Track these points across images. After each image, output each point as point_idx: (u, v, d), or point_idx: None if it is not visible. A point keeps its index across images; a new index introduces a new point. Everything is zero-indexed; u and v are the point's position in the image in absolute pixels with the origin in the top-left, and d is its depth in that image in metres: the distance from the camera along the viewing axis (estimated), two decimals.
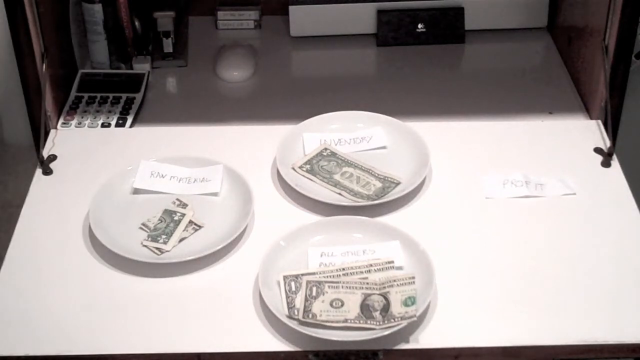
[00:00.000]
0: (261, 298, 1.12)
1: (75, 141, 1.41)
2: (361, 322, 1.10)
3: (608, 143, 1.39)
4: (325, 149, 1.37)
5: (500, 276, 1.18)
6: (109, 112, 1.48)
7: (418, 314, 1.09)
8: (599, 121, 1.44)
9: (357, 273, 1.16)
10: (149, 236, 1.23)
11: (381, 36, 1.68)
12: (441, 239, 1.23)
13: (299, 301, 1.12)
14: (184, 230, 1.24)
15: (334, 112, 1.43)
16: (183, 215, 1.26)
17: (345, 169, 1.34)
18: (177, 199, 1.29)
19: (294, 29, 1.69)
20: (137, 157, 1.35)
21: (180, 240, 1.23)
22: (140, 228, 1.25)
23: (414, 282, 1.13)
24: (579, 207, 1.29)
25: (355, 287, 1.14)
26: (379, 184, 1.31)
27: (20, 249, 1.23)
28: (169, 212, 1.26)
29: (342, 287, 1.14)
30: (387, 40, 1.68)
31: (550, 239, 1.24)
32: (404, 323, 1.08)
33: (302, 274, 1.16)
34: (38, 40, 1.37)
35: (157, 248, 1.21)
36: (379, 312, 1.11)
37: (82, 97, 1.51)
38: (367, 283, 1.14)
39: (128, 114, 1.48)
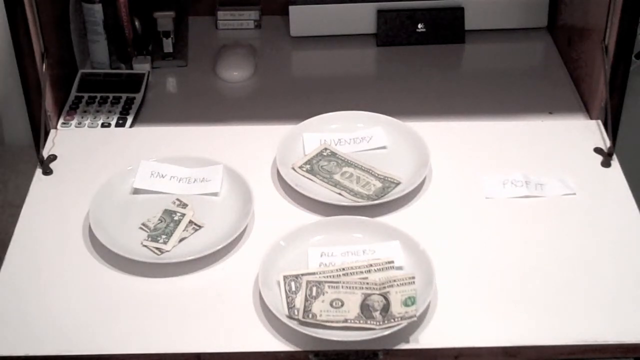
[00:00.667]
0: (261, 298, 1.12)
1: (75, 141, 1.41)
2: (361, 322, 1.10)
3: (608, 143, 1.39)
4: (325, 149, 1.37)
5: (500, 276, 1.18)
6: (109, 112, 1.48)
7: (418, 314, 1.09)
8: (599, 121, 1.44)
9: (357, 273, 1.16)
10: (149, 236, 1.23)
11: (381, 36, 1.68)
12: (441, 239, 1.23)
13: (299, 301, 1.12)
14: (184, 230, 1.24)
15: (334, 112, 1.43)
16: (183, 215, 1.26)
17: (345, 169, 1.34)
18: (177, 199, 1.29)
19: (294, 29, 1.69)
20: (137, 157, 1.35)
21: (180, 240, 1.23)
22: (140, 228, 1.25)
23: (414, 282, 1.13)
24: (579, 207, 1.29)
25: (355, 287, 1.14)
26: (379, 184, 1.31)
27: (20, 249, 1.23)
28: (169, 212, 1.26)
29: (342, 287, 1.14)
30: (387, 40, 1.68)
31: (550, 239, 1.24)
32: (404, 323, 1.08)
33: (302, 274, 1.16)
34: (38, 40, 1.37)
35: (157, 248, 1.21)
36: (379, 312, 1.11)
37: (82, 97, 1.51)
38: (367, 283, 1.14)
39: (128, 114, 1.48)
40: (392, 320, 1.09)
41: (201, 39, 1.70)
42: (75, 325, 1.12)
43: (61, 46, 1.51)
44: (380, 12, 1.67)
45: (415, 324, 1.10)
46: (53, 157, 1.37)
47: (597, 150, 1.38)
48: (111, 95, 1.51)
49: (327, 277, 1.15)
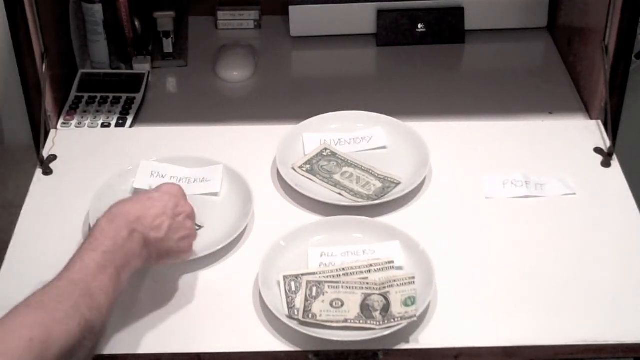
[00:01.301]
0: (261, 298, 1.12)
1: (75, 141, 1.41)
2: (361, 322, 1.10)
3: (608, 143, 1.39)
4: (325, 149, 1.37)
5: (500, 276, 1.18)
6: (109, 112, 1.48)
7: (418, 314, 1.09)
8: (599, 121, 1.44)
9: (357, 273, 1.16)
10: None
11: (381, 36, 1.68)
12: (441, 239, 1.23)
13: (299, 301, 1.12)
14: None
15: (334, 112, 1.43)
16: None
17: (345, 169, 1.34)
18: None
19: (294, 29, 1.69)
20: (137, 157, 1.35)
21: None
22: None
23: (414, 282, 1.13)
24: (579, 207, 1.29)
25: (355, 287, 1.14)
26: (379, 184, 1.31)
27: (20, 249, 1.23)
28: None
29: (342, 287, 1.14)
30: (387, 40, 1.68)
31: (550, 239, 1.24)
32: (404, 323, 1.08)
33: (302, 274, 1.16)
34: (38, 40, 1.37)
35: None
36: (379, 312, 1.11)
37: (82, 97, 1.51)
38: (367, 283, 1.14)
39: (128, 114, 1.48)
40: (392, 320, 1.09)
41: (201, 39, 1.70)
42: None
43: (61, 46, 1.51)
44: (380, 12, 1.67)
45: (415, 324, 1.10)
46: (53, 157, 1.37)
47: (597, 150, 1.38)
48: (111, 95, 1.51)
49: (327, 277, 1.15)
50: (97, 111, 1.48)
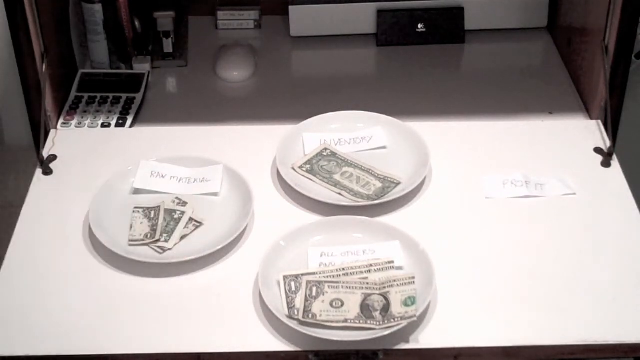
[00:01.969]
0: (261, 298, 1.12)
1: (75, 141, 1.41)
2: (361, 322, 1.10)
3: (608, 143, 1.39)
4: (325, 149, 1.37)
5: (500, 276, 1.18)
6: (109, 112, 1.48)
7: (418, 314, 1.09)
8: (599, 121, 1.44)
9: (357, 273, 1.16)
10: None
11: (381, 36, 1.68)
12: (441, 239, 1.23)
13: (299, 301, 1.12)
14: (184, 228, 1.24)
15: (334, 112, 1.43)
16: (183, 213, 1.26)
17: (345, 169, 1.34)
18: (177, 198, 1.29)
19: (294, 29, 1.69)
20: (137, 157, 1.35)
21: (182, 238, 1.23)
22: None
23: (414, 282, 1.13)
24: (579, 207, 1.29)
25: (355, 287, 1.14)
26: (379, 184, 1.31)
27: (20, 249, 1.23)
28: (169, 211, 1.26)
29: (342, 287, 1.14)
30: (387, 40, 1.68)
31: (550, 239, 1.24)
32: (404, 323, 1.08)
33: (302, 274, 1.16)
34: (38, 40, 1.37)
35: (158, 246, 1.21)
36: (379, 312, 1.11)
37: (82, 97, 1.51)
38: (367, 283, 1.14)
39: (128, 114, 1.48)
40: (392, 320, 1.09)
41: (201, 39, 1.70)
42: (75, 325, 1.12)
43: (61, 46, 1.51)
44: (380, 12, 1.67)
45: (415, 324, 1.10)
46: (53, 157, 1.37)
47: (597, 150, 1.38)
48: (111, 95, 1.51)
49: (327, 277, 1.15)
50: (97, 111, 1.48)
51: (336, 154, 1.37)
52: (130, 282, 1.17)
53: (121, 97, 1.51)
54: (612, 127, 1.40)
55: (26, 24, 1.33)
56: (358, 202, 1.28)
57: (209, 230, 1.24)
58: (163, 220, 1.25)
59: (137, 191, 1.31)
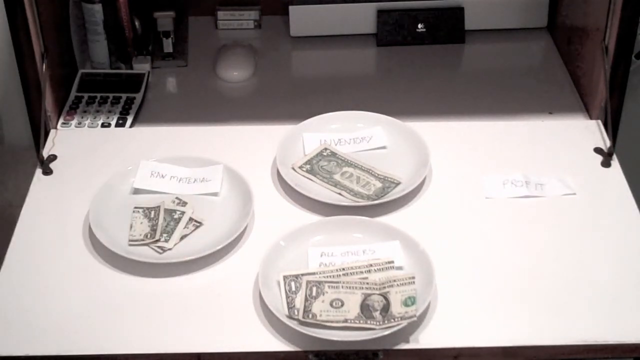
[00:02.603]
0: (261, 298, 1.12)
1: (75, 141, 1.41)
2: (361, 322, 1.10)
3: (608, 143, 1.39)
4: (325, 149, 1.37)
5: (500, 276, 1.18)
6: (109, 112, 1.48)
7: (418, 314, 1.09)
8: (599, 121, 1.44)
9: (357, 273, 1.16)
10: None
11: (381, 36, 1.68)
12: (441, 239, 1.23)
13: (299, 301, 1.12)
14: (184, 228, 1.24)
15: (334, 112, 1.43)
16: (183, 213, 1.26)
17: (345, 169, 1.34)
18: (177, 198, 1.29)
19: (294, 29, 1.69)
20: (137, 157, 1.35)
21: (182, 238, 1.23)
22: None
23: (414, 282, 1.13)
24: (579, 207, 1.29)
25: (355, 287, 1.14)
26: (379, 184, 1.31)
27: (20, 249, 1.23)
28: (169, 211, 1.26)
29: (342, 287, 1.14)
30: (387, 40, 1.68)
31: (550, 239, 1.24)
32: (404, 323, 1.08)
33: (302, 274, 1.16)
34: (38, 40, 1.37)
35: (158, 246, 1.21)
36: (379, 312, 1.11)
37: (82, 97, 1.51)
38: (367, 283, 1.14)
39: (128, 114, 1.48)
40: (392, 320, 1.09)
41: (201, 39, 1.70)
42: (75, 325, 1.12)
43: (61, 46, 1.51)
44: (380, 12, 1.67)
45: (415, 324, 1.10)
46: (53, 157, 1.37)
47: (597, 150, 1.38)
48: (111, 95, 1.51)
49: (327, 277, 1.15)
50: (97, 111, 1.48)
51: (336, 154, 1.37)
52: (130, 282, 1.17)
53: (121, 97, 1.51)
54: (612, 127, 1.40)
55: (26, 24, 1.33)
56: (358, 202, 1.28)
57: (209, 230, 1.24)
58: (163, 220, 1.25)
59: (137, 191, 1.31)
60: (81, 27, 1.57)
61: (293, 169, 1.34)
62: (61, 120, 1.46)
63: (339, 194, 1.30)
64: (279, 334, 1.10)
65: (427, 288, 1.13)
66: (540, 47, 1.68)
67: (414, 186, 1.29)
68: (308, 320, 1.10)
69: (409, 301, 1.11)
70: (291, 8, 1.67)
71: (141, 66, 1.58)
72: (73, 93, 1.52)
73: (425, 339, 1.10)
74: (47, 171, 1.35)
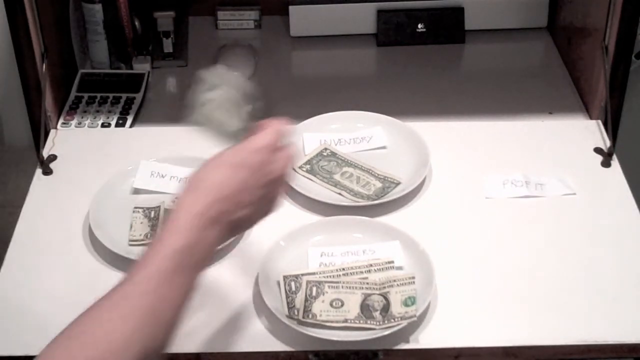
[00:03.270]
0: (261, 298, 1.12)
1: (75, 141, 1.41)
2: (361, 322, 1.10)
3: (608, 143, 1.39)
4: (325, 149, 1.37)
5: (500, 276, 1.18)
6: (109, 112, 1.48)
7: (418, 314, 1.09)
8: (599, 121, 1.44)
9: (357, 273, 1.16)
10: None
11: (381, 36, 1.68)
12: (441, 239, 1.23)
13: (299, 301, 1.12)
14: None
15: (334, 112, 1.43)
16: None
17: (345, 169, 1.34)
18: (177, 198, 1.29)
19: (294, 29, 1.69)
20: (137, 157, 1.35)
21: None
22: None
23: (414, 282, 1.13)
24: (579, 207, 1.29)
25: (355, 287, 1.14)
26: (379, 184, 1.31)
27: (20, 249, 1.23)
28: (169, 211, 1.26)
29: (342, 287, 1.14)
30: (387, 40, 1.68)
31: (550, 239, 1.24)
32: (404, 323, 1.08)
33: (302, 274, 1.15)
34: (38, 40, 1.37)
35: None
36: (379, 312, 1.11)
37: (82, 97, 1.51)
38: (367, 283, 1.14)
39: (128, 114, 1.48)
40: (392, 320, 1.09)
41: (201, 39, 1.70)
42: None
43: (61, 46, 1.51)
44: (380, 12, 1.67)
45: (415, 324, 1.10)
46: (53, 157, 1.37)
47: (597, 150, 1.38)
48: (111, 95, 1.51)
49: (327, 277, 1.15)
50: (97, 111, 1.48)
51: (336, 154, 1.37)
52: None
53: (121, 97, 1.51)
54: (612, 127, 1.40)
55: (26, 24, 1.33)
56: (358, 202, 1.28)
57: None
58: (163, 220, 1.25)
59: (137, 191, 1.31)
60: (81, 27, 1.57)
61: (293, 169, 1.34)
62: (61, 120, 1.46)
63: (339, 194, 1.30)
64: (279, 334, 1.10)
65: (427, 288, 1.13)
66: (540, 47, 1.68)
67: (414, 186, 1.29)
68: (308, 320, 1.10)
69: (409, 301, 1.10)
70: (291, 8, 1.67)
71: (141, 66, 1.58)
72: (73, 93, 1.52)
73: (425, 339, 1.10)
74: (47, 171, 1.35)
